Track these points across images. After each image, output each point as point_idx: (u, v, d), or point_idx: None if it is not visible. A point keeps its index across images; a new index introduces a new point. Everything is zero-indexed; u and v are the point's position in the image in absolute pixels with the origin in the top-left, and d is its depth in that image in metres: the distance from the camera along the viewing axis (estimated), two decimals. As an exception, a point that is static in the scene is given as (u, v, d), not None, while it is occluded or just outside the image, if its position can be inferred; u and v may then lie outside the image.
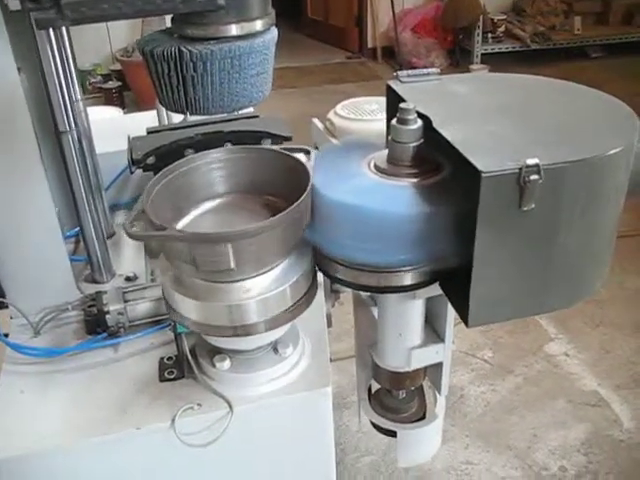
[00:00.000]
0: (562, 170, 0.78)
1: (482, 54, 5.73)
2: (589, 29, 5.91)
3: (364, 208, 0.85)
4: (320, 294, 1.19)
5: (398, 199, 0.87)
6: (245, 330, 0.94)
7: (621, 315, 2.74)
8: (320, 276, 1.11)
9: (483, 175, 0.75)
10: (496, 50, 5.77)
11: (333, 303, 1.44)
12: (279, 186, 0.99)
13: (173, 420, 1.01)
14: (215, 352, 1.07)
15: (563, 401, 2.34)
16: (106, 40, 5.23)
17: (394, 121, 0.91)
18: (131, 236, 0.86)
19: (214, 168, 1.00)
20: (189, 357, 1.08)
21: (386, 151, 0.95)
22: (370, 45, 6.26)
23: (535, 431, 2.22)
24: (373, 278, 0.93)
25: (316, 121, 1.66)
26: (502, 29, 5.84)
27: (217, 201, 1.01)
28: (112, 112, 3.31)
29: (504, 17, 5.86)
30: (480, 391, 2.39)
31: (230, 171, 1.01)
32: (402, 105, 0.89)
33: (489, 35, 5.78)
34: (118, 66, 5.21)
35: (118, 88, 5.07)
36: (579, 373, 2.46)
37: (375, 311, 1.24)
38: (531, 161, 0.76)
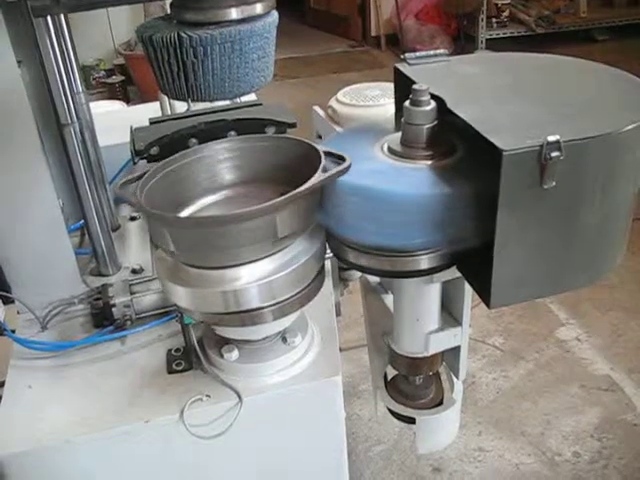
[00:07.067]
0: (583, 146, 0.77)
1: (487, 40, 5.67)
2: (594, 11, 5.83)
3: (383, 191, 0.84)
4: (329, 282, 1.18)
5: (417, 181, 0.86)
6: (253, 318, 0.92)
7: (631, 299, 2.72)
8: (328, 264, 1.09)
9: (504, 153, 0.74)
10: (501, 35, 5.71)
11: (342, 292, 1.44)
12: (287, 174, 0.97)
13: (182, 412, 1.00)
14: (223, 343, 1.06)
15: (575, 386, 2.32)
16: (108, 35, 5.22)
17: (407, 103, 0.89)
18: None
19: (219, 160, 0.98)
20: (197, 348, 1.08)
21: (398, 134, 0.93)
22: (373, 33, 6.21)
23: (548, 417, 2.21)
24: (391, 263, 0.92)
25: (317, 109, 1.64)
26: (506, 14, 5.77)
27: (219, 194, 0.99)
28: (116, 106, 3.29)
29: (508, 1, 5.79)
30: (492, 377, 2.38)
31: (234, 162, 0.99)
32: (415, 86, 0.88)
33: (493, 20, 5.72)
34: (121, 60, 5.20)
35: (121, 82, 5.06)
36: (591, 358, 2.44)
37: (386, 299, 1.22)
38: (552, 138, 0.74)
